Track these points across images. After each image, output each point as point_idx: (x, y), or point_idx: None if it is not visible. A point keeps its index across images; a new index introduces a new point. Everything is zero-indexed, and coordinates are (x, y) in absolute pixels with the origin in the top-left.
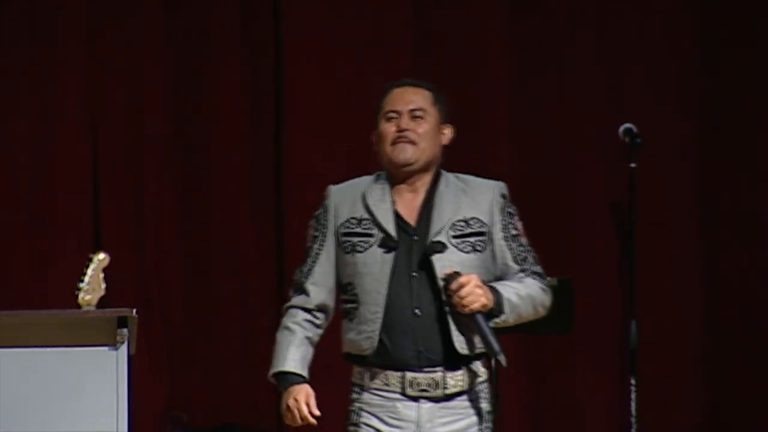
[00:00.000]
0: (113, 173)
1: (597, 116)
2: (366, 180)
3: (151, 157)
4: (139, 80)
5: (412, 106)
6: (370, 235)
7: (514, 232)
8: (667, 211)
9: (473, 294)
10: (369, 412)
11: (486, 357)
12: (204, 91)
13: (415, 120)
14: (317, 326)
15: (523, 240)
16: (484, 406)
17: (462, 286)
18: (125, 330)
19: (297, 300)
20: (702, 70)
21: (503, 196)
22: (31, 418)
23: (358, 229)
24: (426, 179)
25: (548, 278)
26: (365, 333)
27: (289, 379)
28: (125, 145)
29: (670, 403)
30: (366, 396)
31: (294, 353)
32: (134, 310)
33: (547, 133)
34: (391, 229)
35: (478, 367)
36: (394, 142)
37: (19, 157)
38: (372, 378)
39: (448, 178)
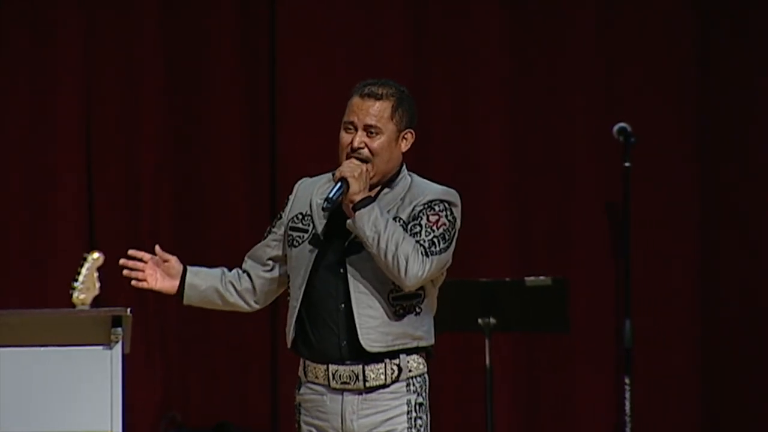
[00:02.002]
0: (109, 172)
1: (593, 115)
2: (327, 176)
3: (147, 156)
4: (135, 79)
5: (367, 121)
6: (306, 231)
7: (424, 219)
8: (664, 210)
9: (351, 168)
10: (306, 408)
11: (422, 351)
12: (200, 91)
13: (369, 136)
14: (239, 277)
15: (434, 226)
16: (414, 398)
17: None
18: (119, 329)
19: None
20: (699, 69)
21: (434, 200)
22: (26, 417)
23: (300, 225)
24: (378, 185)
25: (543, 277)
26: (289, 325)
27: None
28: (121, 144)
29: (666, 403)
30: (303, 390)
31: (206, 270)
32: (128, 310)
33: (543, 132)
34: (320, 226)
35: (407, 360)
36: (348, 157)
37: (15, 156)
38: (306, 372)
39: (400, 183)
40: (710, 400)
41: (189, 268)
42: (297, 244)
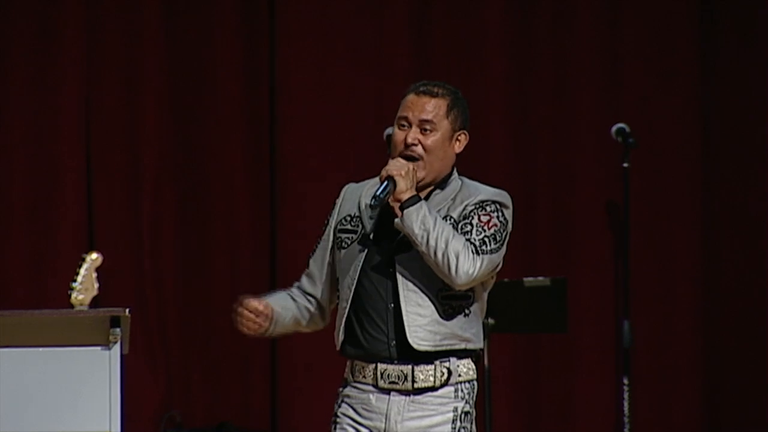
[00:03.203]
0: (109, 172)
1: (594, 116)
2: (375, 179)
3: (147, 157)
4: (136, 80)
5: (422, 117)
6: (355, 232)
7: (475, 219)
8: (664, 210)
9: (398, 167)
10: (348, 404)
11: (472, 355)
12: (201, 91)
13: (424, 133)
14: (308, 301)
15: (485, 226)
16: (461, 405)
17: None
18: (118, 329)
19: (296, 284)
20: (700, 68)
21: (486, 200)
22: (25, 417)
23: (348, 226)
24: (431, 186)
25: (542, 278)
26: (338, 328)
27: None
28: (122, 144)
29: (665, 403)
30: (348, 389)
31: (273, 296)
32: (127, 310)
33: (543, 132)
34: (370, 227)
35: (457, 365)
36: (401, 154)
37: (16, 156)
38: (353, 371)
39: (451, 184)
40: (710, 401)
41: (273, 305)
42: (346, 245)
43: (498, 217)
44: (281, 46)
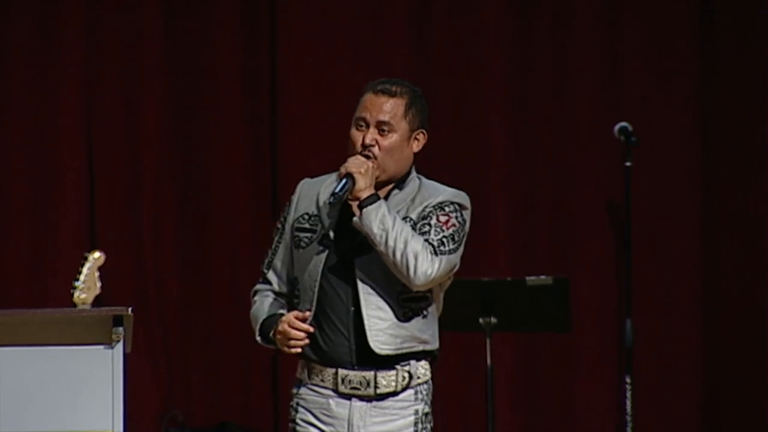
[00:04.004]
0: (110, 172)
1: (595, 115)
2: (332, 176)
3: (148, 156)
4: (137, 80)
5: (380, 118)
6: (314, 231)
7: (434, 219)
8: (666, 210)
9: (357, 164)
10: (305, 408)
11: (428, 357)
12: (201, 91)
13: (381, 134)
14: (285, 302)
15: (443, 226)
16: (421, 407)
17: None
18: (121, 328)
19: (262, 286)
20: (701, 68)
21: (445, 201)
22: (27, 416)
23: (306, 225)
24: (389, 186)
25: (544, 277)
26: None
27: (272, 323)
28: (123, 144)
29: (667, 402)
30: (303, 391)
31: (271, 308)
32: (129, 309)
33: (544, 131)
34: (329, 227)
35: (416, 367)
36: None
37: (17, 156)
38: (310, 373)
39: (410, 184)
40: (710, 401)
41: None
42: (304, 245)
43: (457, 217)
44: (281, 46)
